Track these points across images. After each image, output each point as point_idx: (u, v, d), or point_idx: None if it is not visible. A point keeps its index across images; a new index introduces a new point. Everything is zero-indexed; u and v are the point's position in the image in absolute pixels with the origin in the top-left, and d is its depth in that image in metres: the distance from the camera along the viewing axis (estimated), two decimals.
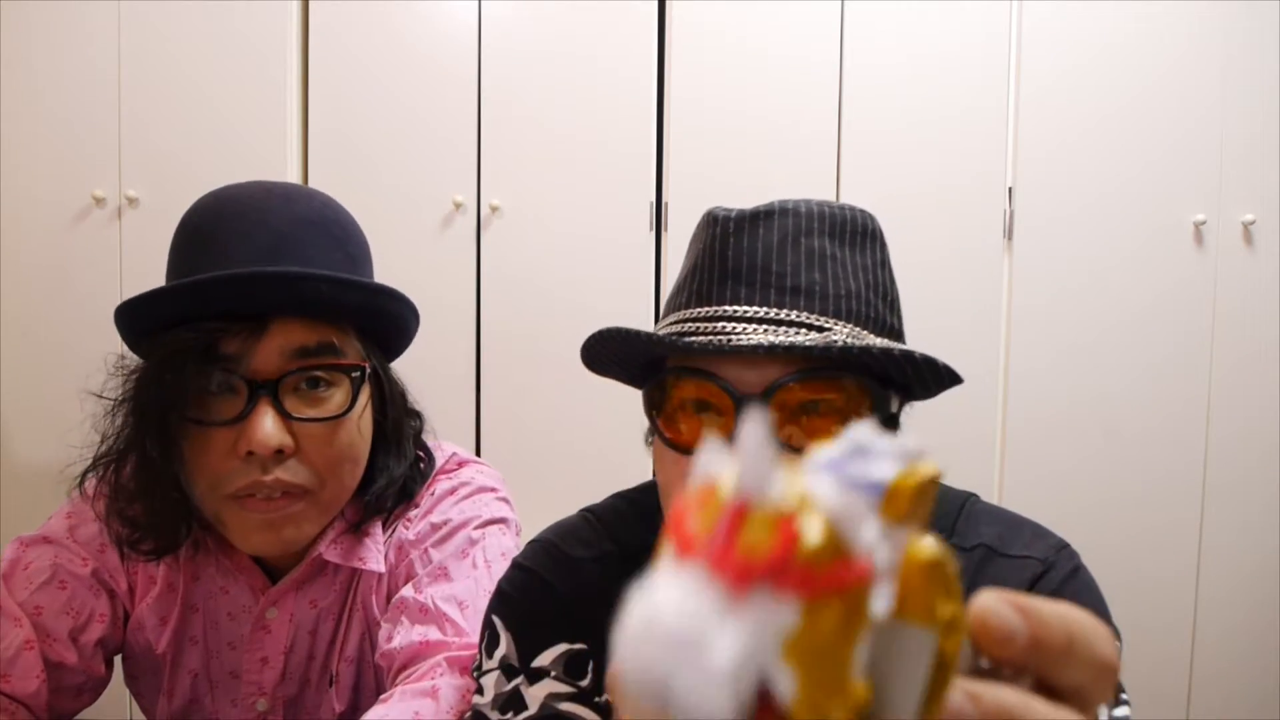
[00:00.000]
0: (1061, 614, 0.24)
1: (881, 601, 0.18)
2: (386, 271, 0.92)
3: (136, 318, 0.83)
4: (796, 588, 0.17)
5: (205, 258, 0.81)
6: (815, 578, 0.17)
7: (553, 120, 1.99)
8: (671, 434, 0.70)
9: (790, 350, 0.65)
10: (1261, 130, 1.90)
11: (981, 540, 0.76)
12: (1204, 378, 1.94)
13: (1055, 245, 1.95)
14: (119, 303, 0.82)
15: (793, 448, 0.67)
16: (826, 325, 0.68)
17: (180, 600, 0.92)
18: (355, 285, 0.84)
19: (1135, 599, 1.86)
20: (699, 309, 0.70)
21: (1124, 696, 0.70)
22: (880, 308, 0.72)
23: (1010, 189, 1.95)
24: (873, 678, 0.18)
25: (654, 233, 2.00)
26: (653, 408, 0.72)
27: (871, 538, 0.18)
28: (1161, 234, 1.93)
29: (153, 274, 0.84)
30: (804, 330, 0.67)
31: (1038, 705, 0.23)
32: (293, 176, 1.99)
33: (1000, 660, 0.24)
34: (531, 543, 0.83)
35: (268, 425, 0.80)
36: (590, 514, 0.84)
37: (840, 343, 0.66)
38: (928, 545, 0.20)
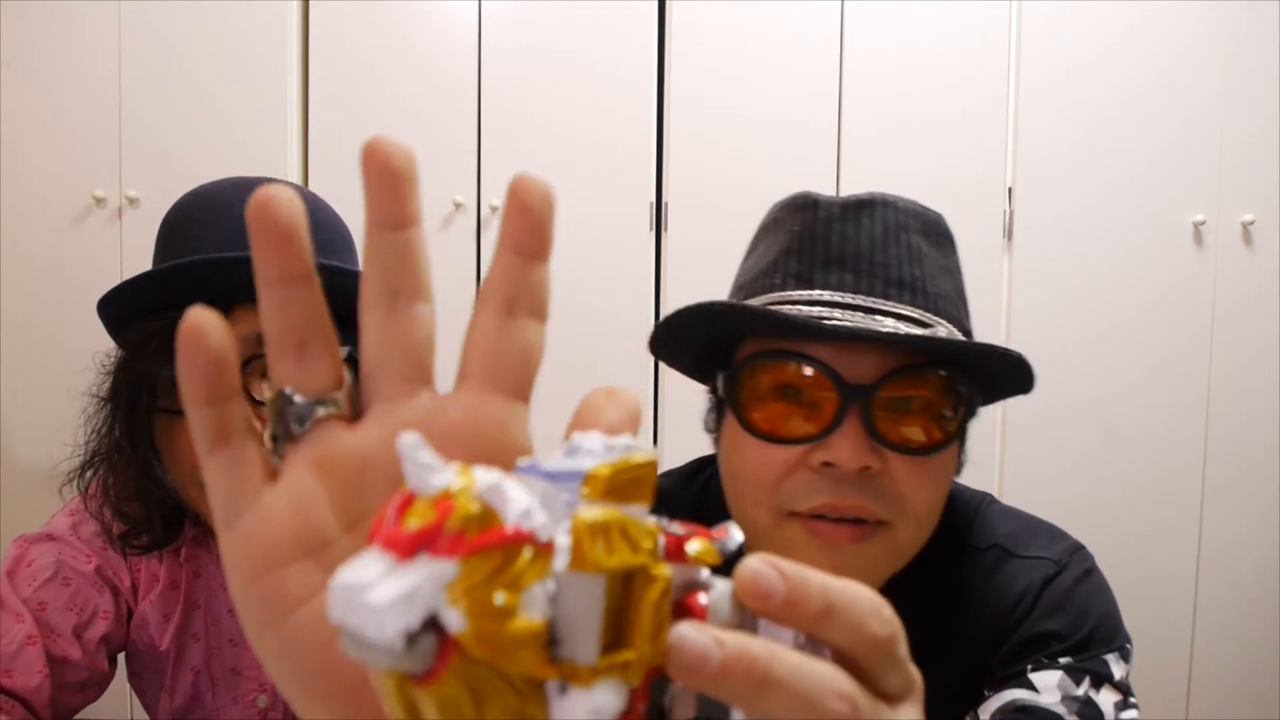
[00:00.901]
0: (825, 584, 0.25)
1: (560, 559, 0.22)
2: None
3: (112, 313, 0.85)
4: (451, 549, 0.21)
5: (177, 252, 0.83)
6: (466, 540, 0.21)
7: (553, 120, 1.99)
8: (764, 422, 0.66)
9: (931, 342, 0.63)
10: (1261, 130, 1.90)
11: (996, 541, 0.77)
12: (1204, 378, 1.94)
13: (1055, 245, 1.95)
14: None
15: (887, 442, 0.64)
16: (930, 321, 0.66)
17: (183, 597, 0.92)
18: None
19: (1135, 599, 1.85)
20: (798, 291, 0.67)
21: (1132, 700, 0.70)
22: (964, 311, 0.71)
23: (1010, 189, 1.95)
24: (556, 621, 0.22)
25: (654, 233, 2.00)
26: (735, 392, 0.68)
27: (526, 509, 0.22)
28: (1161, 234, 1.93)
29: None
30: (910, 324, 0.66)
31: (786, 654, 0.24)
32: (293, 176, 1.98)
33: (763, 615, 0.25)
34: None
35: None
36: None
37: (958, 339, 0.65)
38: (595, 510, 0.23)
